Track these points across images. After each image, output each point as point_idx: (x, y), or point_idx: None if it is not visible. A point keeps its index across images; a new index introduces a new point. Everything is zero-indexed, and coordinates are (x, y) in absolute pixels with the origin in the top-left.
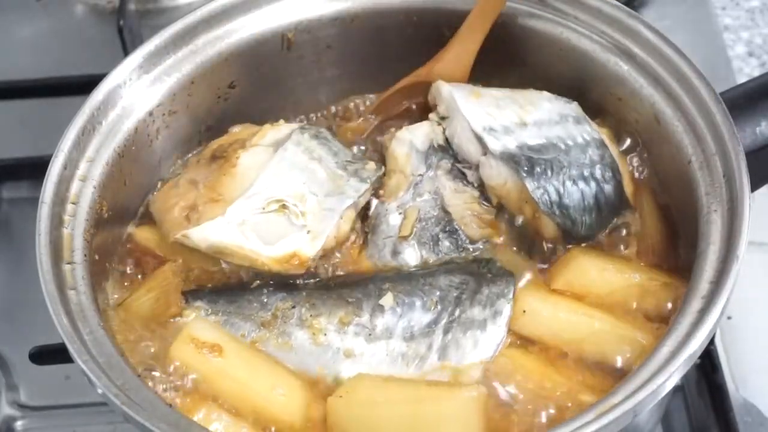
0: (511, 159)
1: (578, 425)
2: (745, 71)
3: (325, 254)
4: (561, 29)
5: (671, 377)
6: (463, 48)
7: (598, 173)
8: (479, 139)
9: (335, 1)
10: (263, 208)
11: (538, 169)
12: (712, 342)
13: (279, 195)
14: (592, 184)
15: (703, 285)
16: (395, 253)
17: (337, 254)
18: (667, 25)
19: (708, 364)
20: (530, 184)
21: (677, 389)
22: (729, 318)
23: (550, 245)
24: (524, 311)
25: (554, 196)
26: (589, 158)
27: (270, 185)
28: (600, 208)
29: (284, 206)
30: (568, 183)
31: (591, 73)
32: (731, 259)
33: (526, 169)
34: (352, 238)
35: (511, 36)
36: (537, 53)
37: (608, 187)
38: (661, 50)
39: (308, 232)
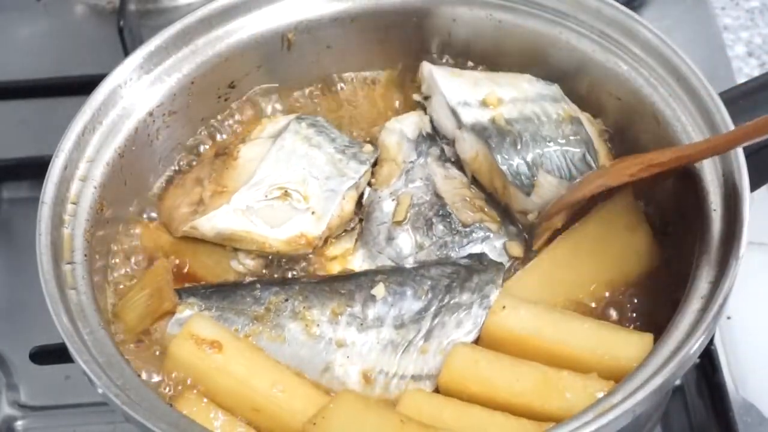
0: (482, 131)
1: (578, 425)
2: (745, 71)
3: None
4: (561, 29)
5: (671, 377)
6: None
7: (571, 148)
8: (454, 113)
9: (335, 1)
10: (266, 196)
11: (507, 141)
12: (711, 342)
13: (281, 182)
14: (566, 160)
15: (703, 285)
16: (390, 238)
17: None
18: (667, 25)
19: (707, 364)
20: (498, 156)
21: (677, 389)
22: (729, 318)
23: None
24: (504, 307)
25: (523, 168)
26: (562, 133)
27: (271, 173)
28: (572, 180)
29: (286, 193)
30: (538, 155)
31: (591, 73)
32: (731, 259)
33: (495, 140)
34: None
35: (510, 36)
36: (536, 53)
37: (581, 163)
38: (660, 50)
39: (312, 213)
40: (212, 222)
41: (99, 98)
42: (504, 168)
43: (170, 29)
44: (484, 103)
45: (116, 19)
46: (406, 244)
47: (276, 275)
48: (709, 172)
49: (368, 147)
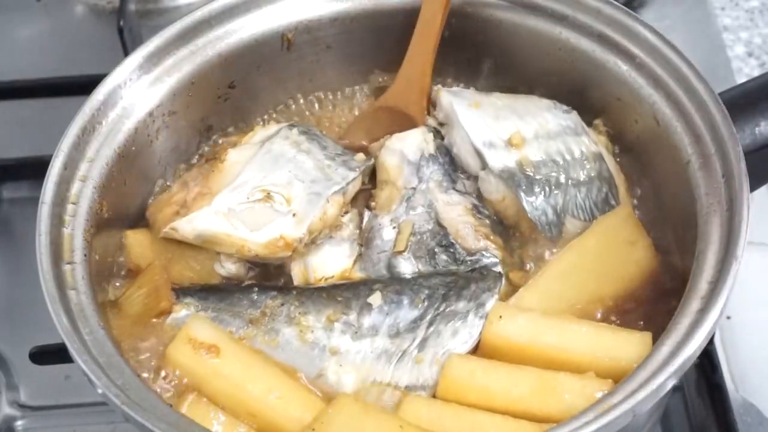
0: (510, 177)
1: (578, 425)
2: (745, 71)
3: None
4: (561, 29)
5: (670, 377)
6: (415, 70)
7: (594, 189)
8: (479, 154)
9: (335, 1)
10: (248, 198)
11: (536, 188)
12: (711, 342)
13: (264, 184)
14: (589, 201)
15: (703, 285)
16: (390, 267)
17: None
18: (667, 25)
19: (707, 364)
20: (528, 206)
21: (676, 389)
22: (728, 318)
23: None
24: (500, 316)
25: (552, 216)
26: (586, 173)
27: (256, 175)
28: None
29: (269, 195)
30: (565, 201)
31: (591, 73)
32: (730, 259)
33: (524, 188)
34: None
35: (510, 36)
36: (536, 54)
37: (603, 203)
38: (660, 51)
39: (294, 215)
40: (192, 224)
41: (99, 98)
42: (534, 218)
43: (170, 29)
44: (509, 143)
45: (116, 19)
46: (408, 271)
47: (260, 280)
48: (709, 172)
49: (360, 155)
